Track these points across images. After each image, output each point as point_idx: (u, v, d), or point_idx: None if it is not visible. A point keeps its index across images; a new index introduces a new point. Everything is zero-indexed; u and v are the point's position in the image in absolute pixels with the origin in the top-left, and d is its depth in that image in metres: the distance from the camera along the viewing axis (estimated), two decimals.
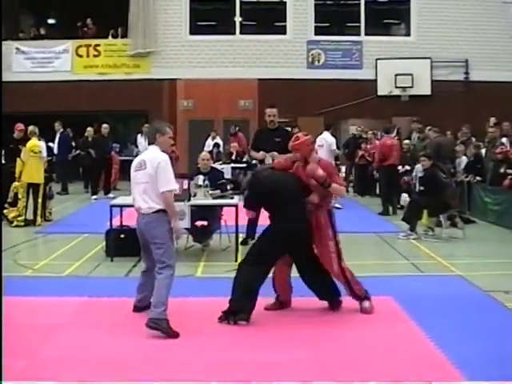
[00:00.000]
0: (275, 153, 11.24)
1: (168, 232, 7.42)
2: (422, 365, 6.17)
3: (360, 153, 21.06)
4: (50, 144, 21.50)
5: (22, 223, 14.49)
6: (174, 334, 7.08)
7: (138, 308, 7.95)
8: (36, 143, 15.14)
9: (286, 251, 7.74)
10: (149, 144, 7.76)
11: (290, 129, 15.51)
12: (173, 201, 7.44)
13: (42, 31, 26.65)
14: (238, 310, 7.48)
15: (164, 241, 7.37)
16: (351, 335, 7.12)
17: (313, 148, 7.97)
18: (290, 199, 7.72)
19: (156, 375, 5.94)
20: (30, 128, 15.55)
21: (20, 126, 16.05)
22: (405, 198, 16.19)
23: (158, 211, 7.37)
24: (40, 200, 14.82)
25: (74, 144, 22.86)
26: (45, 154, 15.57)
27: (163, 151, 7.56)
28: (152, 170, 7.34)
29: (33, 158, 14.82)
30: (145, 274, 7.91)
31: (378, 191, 18.84)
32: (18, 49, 25.35)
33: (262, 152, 11.79)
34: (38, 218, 14.76)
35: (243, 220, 10.60)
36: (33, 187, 14.80)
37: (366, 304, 7.91)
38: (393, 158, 17.03)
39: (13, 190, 14.78)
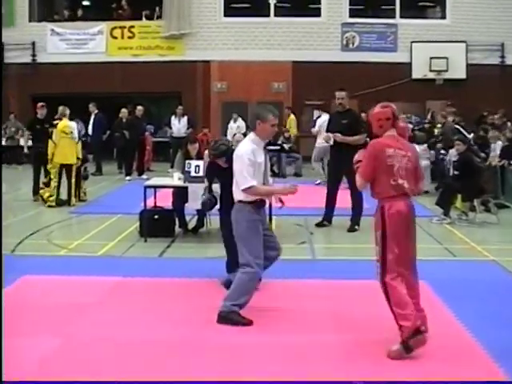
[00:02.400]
0: (338, 134, 12.06)
1: (248, 227, 6.87)
2: (454, 349, 6.17)
3: None
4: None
5: (54, 203, 14.60)
6: (246, 323, 6.81)
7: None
8: (67, 124, 15.05)
9: None
10: (247, 129, 7.08)
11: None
12: (258, 191, 6.83)
13: (77, 13, 26.74)
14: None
15: (241, 236, 6.91)
16: (383, 317, 7.10)
17: (383, 124, 6.35)
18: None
19: (186, 357, 6.01)
20: (60, 109, 15.44)
21: (40, 104, 15.91)
22: None
23: (239, 201, 6.94)
24: (74, 180, 14.89)
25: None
26: (76, 134, 15.45)
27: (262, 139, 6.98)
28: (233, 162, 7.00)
29: (64, 139, 14.80)
30: None
31: None
32: (52, 30, 25.49)
33: (324, 134, 12.68)
34: (73, 198, 14.85)
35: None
36: (66, 168, 14.85)
37: (394, 348, 6.06)
38: None
39: (49, 170, 14.87)
